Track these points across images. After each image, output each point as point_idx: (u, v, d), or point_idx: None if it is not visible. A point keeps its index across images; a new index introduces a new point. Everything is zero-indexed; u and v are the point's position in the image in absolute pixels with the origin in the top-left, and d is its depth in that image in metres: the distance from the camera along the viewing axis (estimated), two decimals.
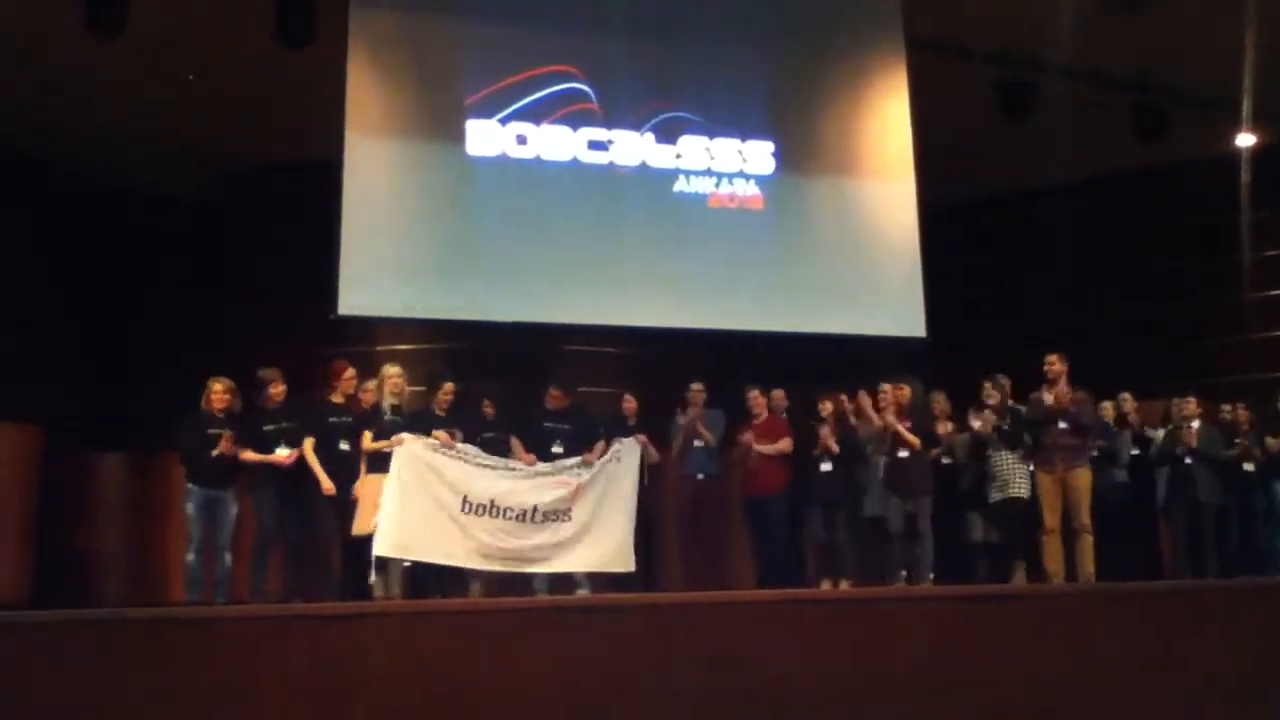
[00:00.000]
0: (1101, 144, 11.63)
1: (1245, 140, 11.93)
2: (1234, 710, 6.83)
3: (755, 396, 8.40)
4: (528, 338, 10.09)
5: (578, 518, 7.54)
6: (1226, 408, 9.21)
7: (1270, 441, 8.88)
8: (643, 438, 7.96)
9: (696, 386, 8.75)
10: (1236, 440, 8.89)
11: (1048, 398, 8.09)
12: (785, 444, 8.19)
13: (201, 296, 11.77)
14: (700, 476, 8.53)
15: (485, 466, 7.43)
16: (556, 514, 7.51)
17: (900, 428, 8.06)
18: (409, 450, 7.20)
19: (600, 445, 7.89)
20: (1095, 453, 8.43)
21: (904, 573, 7.86)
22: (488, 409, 8.02)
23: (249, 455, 7.32)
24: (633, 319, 10.45)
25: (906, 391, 8.32)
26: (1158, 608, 7.06)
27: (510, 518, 7.38)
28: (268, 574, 7.21)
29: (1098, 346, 9.44)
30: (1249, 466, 8.72)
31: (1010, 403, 8.24)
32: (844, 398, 8.26)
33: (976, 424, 8.25)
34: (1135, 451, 9.08)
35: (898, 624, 6.54)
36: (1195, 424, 8.88)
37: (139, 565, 10.11)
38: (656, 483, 8.59)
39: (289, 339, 9.74)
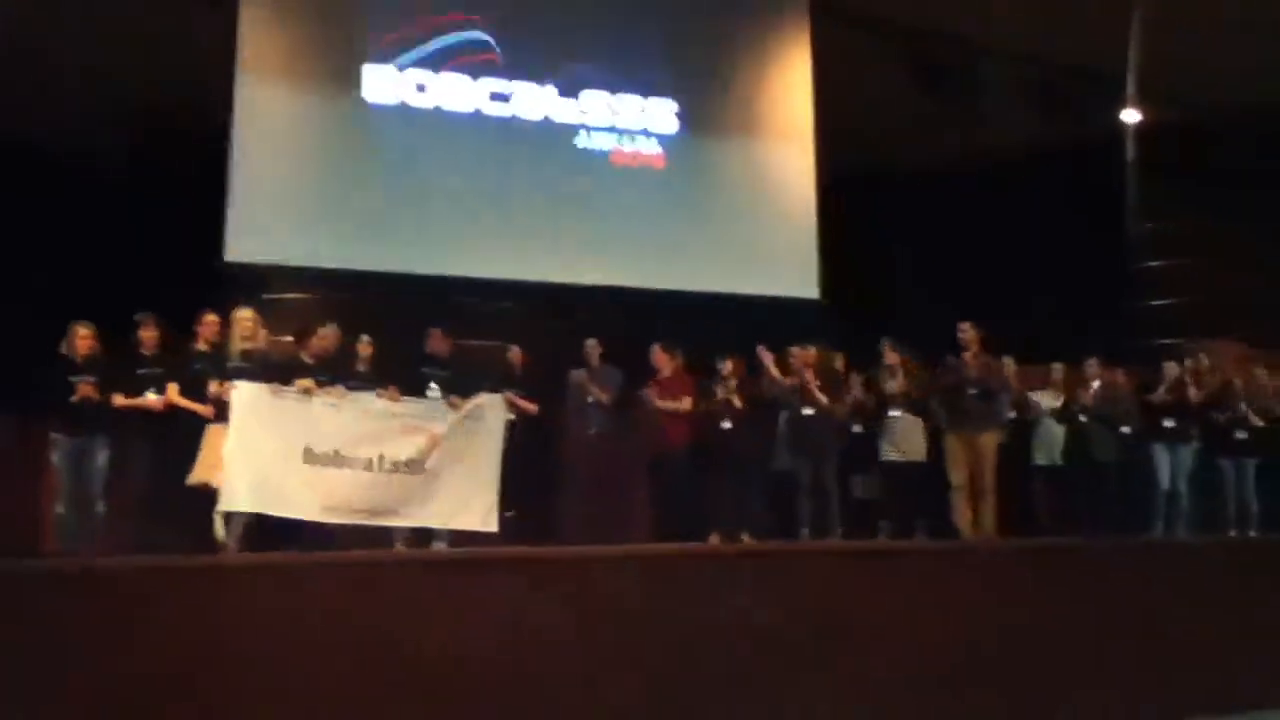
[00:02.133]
0: (1001, 116, 11.50)
1: (1133, 116, 11.93)
2: (1133, 658, 6.87)
3: (659, 354, 8.01)
4: (423, 290, 9.54)
5: (437, 471, 6.90)
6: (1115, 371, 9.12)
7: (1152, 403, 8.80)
8: (510, 395, 7.48)
9: (592, 343, 8.35)
10: (1120, 403, 8.80)
11: (960, 363, 7.98)
12: (687, 402, 7.84)
13: (85, 243, 10.88)
14: (594, 431, 8.11)
15: (332, 408, 6.73)
16: (409, 465, 6.87)
17: (811, 386, 7.78)
18: (244, 398, 6.55)
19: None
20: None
21: (806, 530, 7.58)
22: (364, 351, 7.42)
23: (119, 400, 6.67)
24: (532, 274, 10.04)
25: (813, 353, 8.04)
26: (1060, 563, 7.14)
27: (357, 468, 6.73)
28: (143, 524, 6.55)
29: (994, 313, 9.30)
30: (1126, 429, 8.64)
31: (916, 368, 8.07)
32: (765, 352, 7.95)
33: (890, 385, 8.04)
34: (1013, 415, 8.92)
35: (801, 578, 6.37)
36: (1095, 385, 8.79)
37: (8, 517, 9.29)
38: (554, 438, 8.19)
39: (176, 286, 8.95)
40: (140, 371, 6.78)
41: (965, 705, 6.33)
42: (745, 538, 7.34)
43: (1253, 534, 8.46)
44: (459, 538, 6.97)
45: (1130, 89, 11.57)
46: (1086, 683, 6.71)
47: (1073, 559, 7.31)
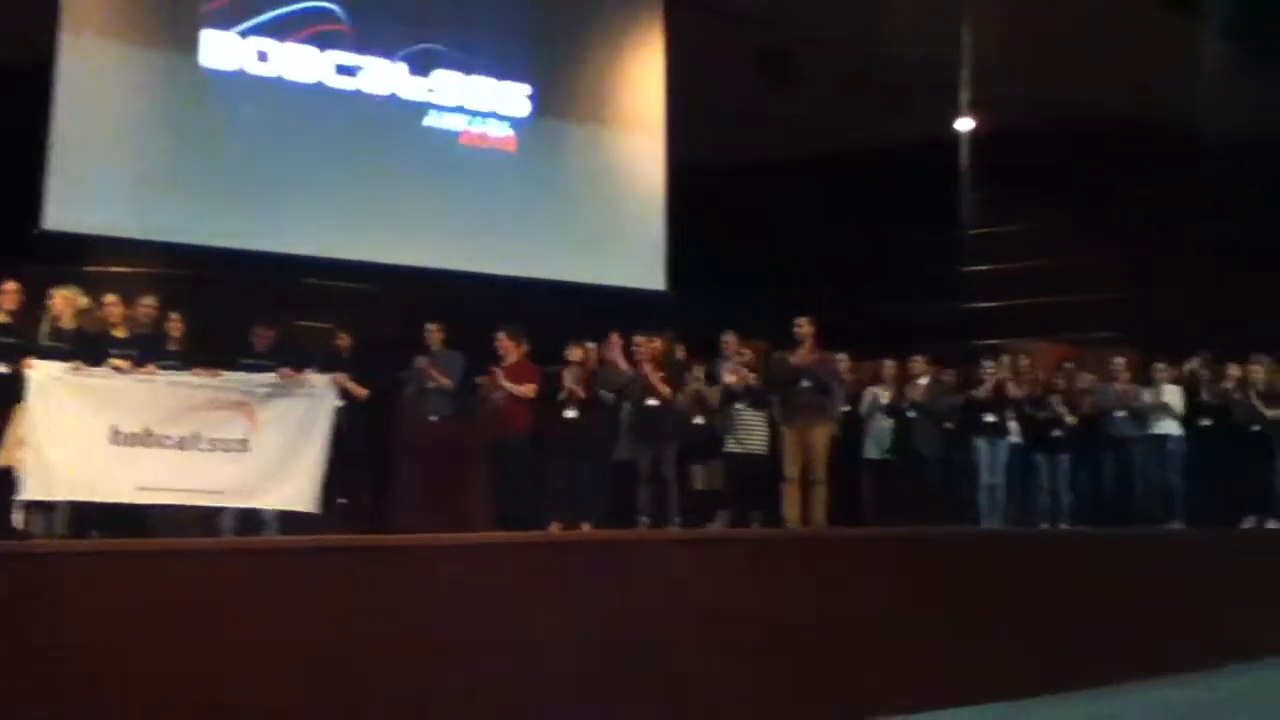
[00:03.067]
0: (845, 116, 11.73)
1: (966, 124, 12.36)
2: (946, 639, 7.07)
3: (504, 340, 7.86)
4: (256, 267, 9.13)
5: (260, 452, 6.65)
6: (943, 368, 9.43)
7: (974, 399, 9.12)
8: (340, 376, 7.25)
9: (433, 327, 8.11)
10: (945, 399, 9.10)
11: (795, 358, 8.08)
12: (530, 388, 7.72)
13: None
14: (434, 418, 7.91)
15: (141, 385, 6.41)
16: (230, 443, 6.61)
17: (654, 377, 7.78)
18: (41, 378, 6.13)
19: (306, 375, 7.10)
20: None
21: (646, 519, 7.58)
22: (175, 329, 7.05)
23: None
24: (375, 255, 9.71)
25: (658, 343, 8.03)
26: (882, 551, 7.29)
27: (170, 445, 6.42)
28: None
29: (831, 307, 9.52)
30: (948, 425, 8.96)
31: (760, 360, 8.17)
32: (616, 338, 7.90)
33: (730, 378, 8.09)
34: (847, 408, 9.12)
35: (642, 566, 6.35)
36: (923, 381, 9.04)
37: None
38: (392, 423, 7.96)
39: None
40: None
41: (779, 674, 6.46)
42: (585, 526, 7.29)
43: (1064, 526, 8.88)
44: (288, 522, 6.71)
45: (965, 94, 12.00)
46: (892, 660, 6.87)
47: (894, 548, 7.45)
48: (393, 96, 10.11)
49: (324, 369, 7.22)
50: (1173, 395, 9.24)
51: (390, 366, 8.10)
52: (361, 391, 7.51)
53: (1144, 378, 9.40)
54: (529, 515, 7.34)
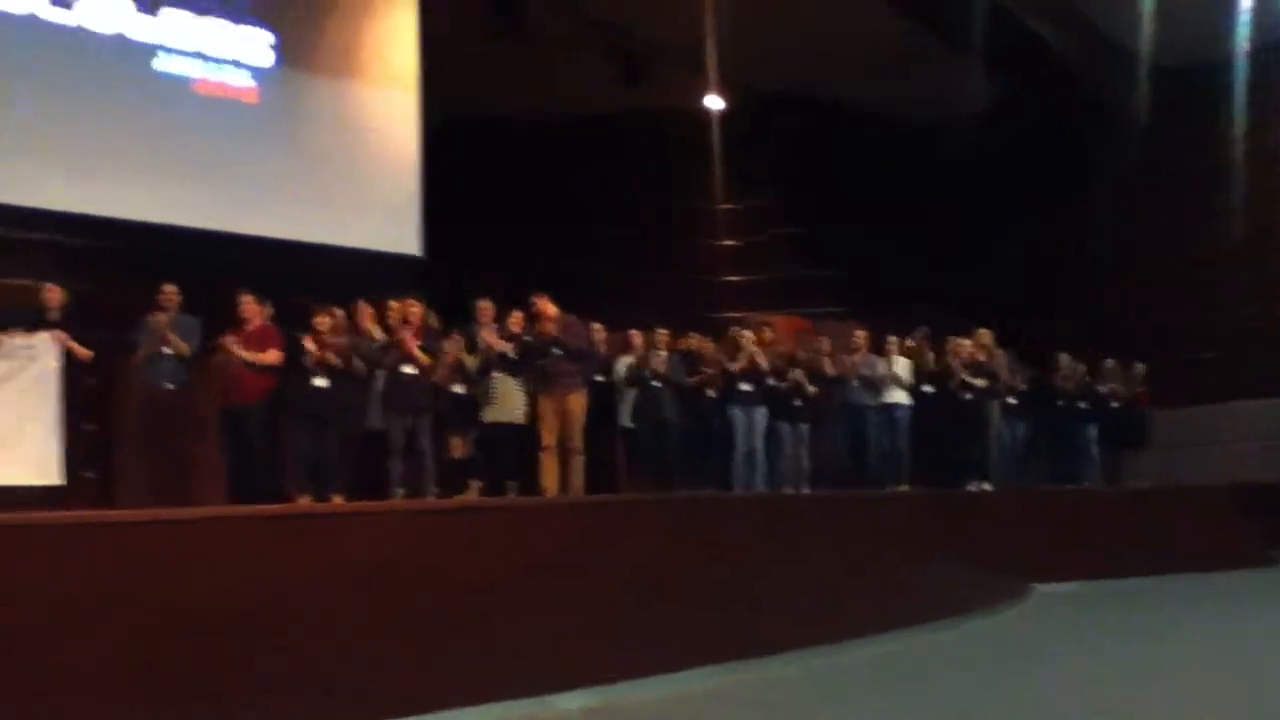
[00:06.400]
0: (589, 77, 11.57)
1: (715, 102, 12.49)
2: (703, 603, 6.96)
3: (248, 303, 7.17)
4: None
5: None
6: (694, 339, 9.49)
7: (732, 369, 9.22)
8: (61, 334, 6.46)
9: (170, 289, 7.28)
10: (702, 369, 9.17)
11: (545, 326, 7.92)
12: (274, 355, 7.10)
13: None
14: (170, 386, 7.15)
15: None
16: None
17: (411, 344, 7.34)
18: None
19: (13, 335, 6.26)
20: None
21: (401, 490, 7.17)
22: None
23: None
24: (95, 208, 8.69)
25: (416, 309, 7.59)
26: (646, 517, 7.21)
27: None
28: None
29: (582, 278, 9.42)
30: (711, 393, 9.02)
31: (521, 328, 7.91)
32: (363, 305, 7.39)
33: (492, 344, 7.76)
34: (600, 378, 9.03)
35: (395, 538, 5.97)
36: (663, 353, 9.03)
37: None
38: (117, 391, 7.16)
39: None
40: None
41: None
42: (338, 499, 6.81)
43: (806, 490, 9.13)
44: (9, 500, 5.89)
45: (710, 70, 12.11)
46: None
47: (645, 512, 7.41)
48: (118, 36, 9.07)
49: (31, 329, 6.36)
50: (901, 366, 9.67)
51: (113, 328, 7.26)
52: (84, 352, 6.67)
53: (877, 349, 9.79)
54: (267, 488, 6.77)
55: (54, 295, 6.87)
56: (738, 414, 8.84)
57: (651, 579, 6.92)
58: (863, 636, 7.63)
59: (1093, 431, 10.81)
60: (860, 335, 9.67)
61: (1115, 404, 10.99)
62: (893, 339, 9.70)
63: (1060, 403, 10.70)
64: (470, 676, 5.93)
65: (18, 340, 6.17)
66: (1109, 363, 11.11)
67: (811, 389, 9.22)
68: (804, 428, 9.21)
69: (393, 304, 7.61)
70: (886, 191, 12.66)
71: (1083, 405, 10.79)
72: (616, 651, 6.60)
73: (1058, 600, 8.52)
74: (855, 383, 9.48)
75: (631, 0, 10.86)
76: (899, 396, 9.51)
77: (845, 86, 12.43)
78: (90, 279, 7.58)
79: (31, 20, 8.67)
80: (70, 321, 6.79)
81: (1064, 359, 10.82)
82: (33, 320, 6.52)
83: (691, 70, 11.95)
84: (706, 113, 12.44)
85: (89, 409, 6.59)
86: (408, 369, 7.38)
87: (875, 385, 9.48)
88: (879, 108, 12.78)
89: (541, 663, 6.25)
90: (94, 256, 8.52)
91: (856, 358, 9.61)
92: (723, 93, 12.29)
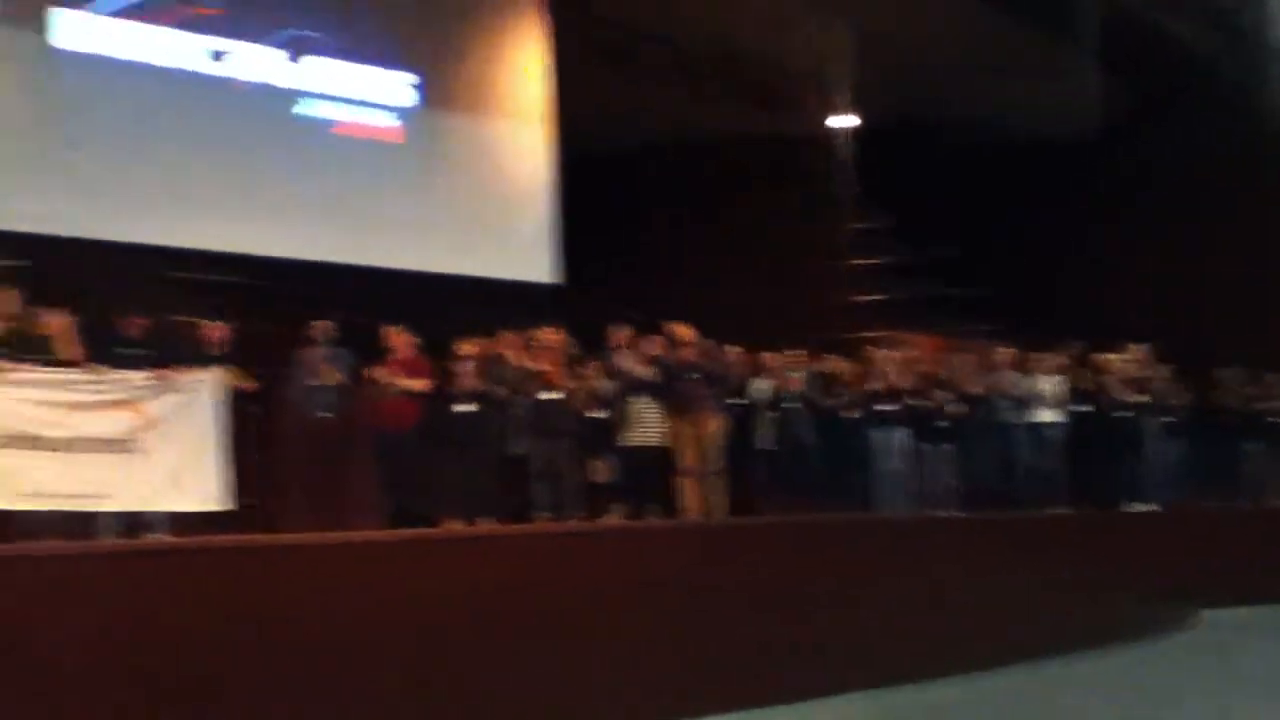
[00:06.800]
0: (723, 108, 11.62)
1: (845, 121, 12.38)
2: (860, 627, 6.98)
3: (395, 334, 7.44)
4: (126, 260, 8.42)
5: (153, 453, 6.13)
6: (830, 360, 9.35)
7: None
8: (225, 369, 6.73)
9: (321, 323, 7.58)
10: (839, 390, 9.03)
11: (682, 351, 7.94)
12: (422, 383, 7.32)
13: None
14: (324, 415, 7.39)
15: (15, 385, 5.83)
16: (114, 444, 6.05)
17: (552, 371, 7.49)
18: None
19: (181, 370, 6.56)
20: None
21: (545, 513, 7.24)
22: (53, 324, 6.39)
23: None
24: (250, 246, 9.08)
25: (554, 336, 7.71)
26: (786, 539, 7.28)
27: (51, 449, 5.84)
28: None
29: (718, 300, 9.41)
30: (853, 414, 8.86)
31: (658, 353, 7.93)
32: (505, 334, 7.58)
33: (631, 370, 7.81)
34: (737, 400, 8.94)
35: (540, 559, 6.19)
36: (800, 374, 8.92)
37: None
38: (275, 420, 7.42)
39: None
40: None
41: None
42: (484, 522, 6.92)
43: (953, 512, 8.86)
44: (179, 524, 6.16)
45: (839, 90, 12.02)
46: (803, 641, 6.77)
47: (785, 534, 7.43)
48: (266, 84, 9.50)
49: (198, 364, 6.65)
50: (1050, 383, 9.34)
51: (270, 362, 7.55)
52: (248, 385, 6.94)
53: (1021, 367, 9.48)
54: (419, 512, 6.93)
55: (216, 332, 7.18)
56: (878, 435, 8.66)
57: (790, 602, 6.88)
58: (1013, 664, 7.41)
59: (1257, 447, 10.25)
60: (1004, 352, 9.39)
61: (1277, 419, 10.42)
62: (1038, 356, 9.38)
63: (1221, 419, 10.18)
64: (616, 695, 5.96)
65: (185, 376, 6.43)
66: (1271, 377, 10.54)
67: (955, 408, 8.97)
68: (948, 448, 8.96)
69: (532, 332, 7.72)
70: (1023, 206, 12.30)
71: (1244, 421, 10.25)
72: (755, 675, 6.54)
73: (1227, 627, 8.05)
74: (1001, 401, 9.19)
75: (760, 26, 10.84)
76: (1048, 414, 9.18)
77: (976, 102, 12.17)
78: (248, 315, 7.88)
79: (189, 75, 9.15)
80: (232, 356, 7.08)
81: (1225, 373, 10.31)
82: (198, 356, 6.80)
83: (821, 91, 11.88)
84: (837, 132, 12.34)
85: (252, 439, 6.83)
86: (548, 395, 7.48)
87: (1022, 403, 9.17)
88: (1011, 122, 12.46)
89: (683, 684, 6.24)
90: (250, 294, 8.90)
91: (1001, 375, 9.32)
92: (852, 112, 12.18)
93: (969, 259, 12.22)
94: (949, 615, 7.46)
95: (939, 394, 8.97)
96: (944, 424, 8.92)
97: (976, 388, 9.19)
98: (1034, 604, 7.89)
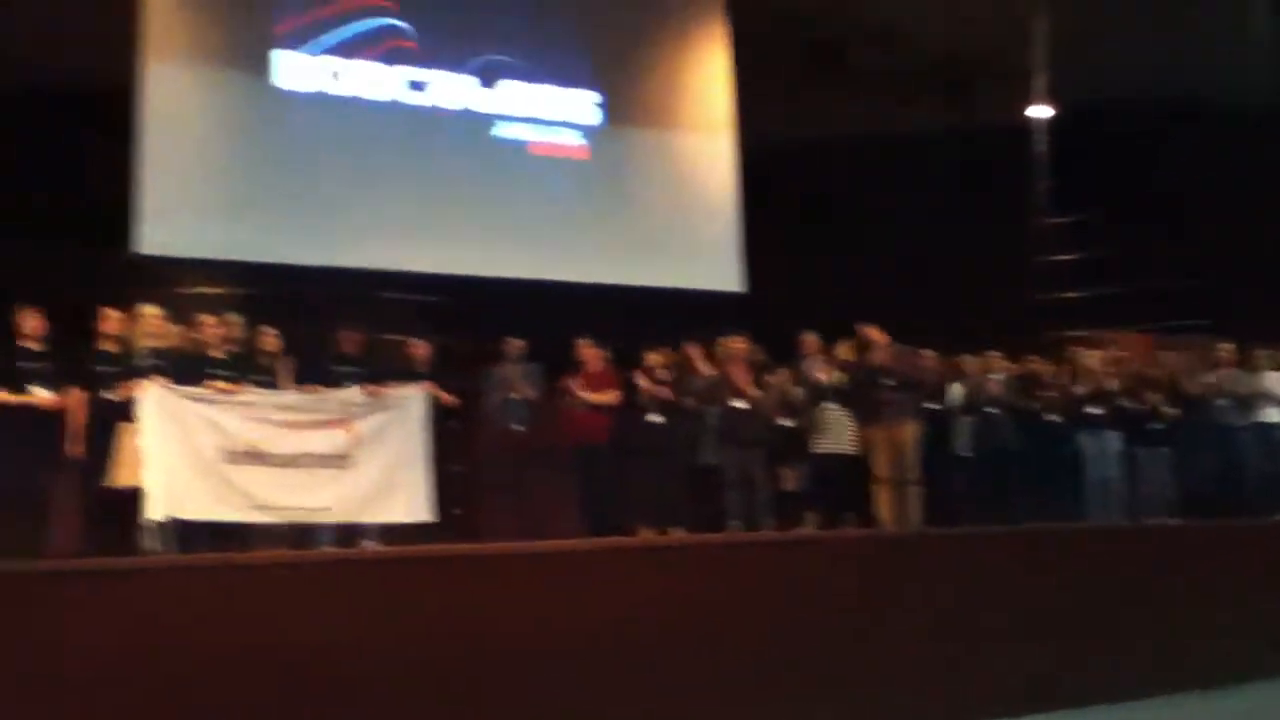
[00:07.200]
0: (911, 106, 11.34)
1: (1040, 111, 11.86)
2: (1059, 642, 6.75)
3: (585, 348, 7.62)
4: (338, 283, 8.96)
5: (365, 467, 6.48)
6: (1031, 361, 8.95)
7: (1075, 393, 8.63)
8: (429, 385, 7.03)
9: (515, 341, 7.86)
10: (1042, 393, 8.65)
11: (876, 356, 7.80)
12: (613, 395, 7.46)
13: None
14: (519, 428, 7.66)
15: (243, 405, 6.25)
16: (332, 460, 6.41)
17: (741, 379, 7.47)
18: (154, 398, 5.99)
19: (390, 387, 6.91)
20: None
21: (737, 522, 7.25)
22: (271, 345, 6.85)
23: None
24: (449, 267, 9.48)
25: (743, 345, 7.71)
26: (979, 549, 7.05)
27: (275, 465, 6.25)
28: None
29: (910, 303, 9.15)
30: (1054, 418, 8.47)
31: (849, 359, 7.82)
32: (692, 345, 7.67)
33: (821, 376, 7.72)
34: (933, 405, 8.68)
35: (731, 570, 6.15)
36: (999, 377, 8.59)
37: None
38: (472, 434, 7.72)
39: (78, 280, 8.20)
40: (22, 365, 6.02)
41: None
42: (675, 531, 6.99)
43: (1171, 521, 8.35)
44: (389, 534, 6.49)
45: (1036, 82, 11.52)
46: (1005, 659, 6.58)
47: (990, 545, 7.17)
48: (464, 109, 9.93)
49: (405, 381, 7.00)
50: (1275, 381, 8.67)
51: (467, 377, 7.88)
52: (451, 400, 7.25)
53: (1244, 364, 8.84)
54: (615, 522, 7.07)
55: (421, 350, 7.53)
56: (1087, 439, 8.22)
57: (988, 616, 6.66)
58: (1237, 685, 6.97)
59: None
60: (1224, 349, 8.76)
61: None
62: (1263, 353, 8.71)
63: None
64: (808, 705, 5.91)
65: (394, 393, 6.78)
66: None
67: (1170, 410, 8.45)
68: (1164, 452, 8.44)
69: (722, 341, 7.74)
70: (1236, 191, 11.41)
71: None
72: (950, 690, 6.36)
73: None
74: (1222, 401, 8.58)
75: (947, 18, 10.54)
76: (1277, 415, 8.51)
77: (1179, 83, 11.41)
78: (447, 332, 8.24)
79: (393, 105, 9.66)
80: (434, 373, 7.41)
81: None
82: (405, 373, 7.15)
83: (1013, 81, 11.43)
84: (1031, 123, 11.84)
85: (454, 451, 7.13)
86: (738, 403, 7.47)
87: (1247, 403, 8.54)
88: (1222, 101, 11.60)
89: (871, 694, 6.12)
90: (450, 312, 9.30)
91: (1220, 374, 8.72)
92: (1048, 101, 11.66)
93: (1178, 249, 11.46)
94: (1171, 630, 7.07)
95: (1151, 395, 8.46)
96: (1158, 426, 8.41)
97: (1194, 388, 8.62)
98: (1262, 620, 7.38)
